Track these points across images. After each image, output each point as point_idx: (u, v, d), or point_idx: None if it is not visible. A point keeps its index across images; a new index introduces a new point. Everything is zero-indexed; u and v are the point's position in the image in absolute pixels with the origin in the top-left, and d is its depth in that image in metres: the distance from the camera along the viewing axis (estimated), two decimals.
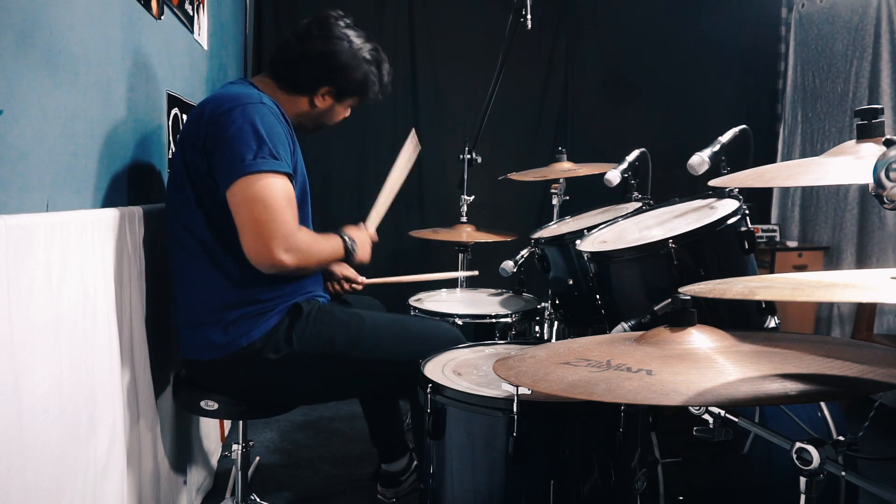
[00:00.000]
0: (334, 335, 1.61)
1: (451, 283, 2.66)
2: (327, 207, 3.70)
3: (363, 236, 1.80)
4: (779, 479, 1.56)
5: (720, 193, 1.73)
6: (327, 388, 1.70)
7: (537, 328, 2.26)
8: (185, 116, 2.11)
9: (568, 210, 2.50)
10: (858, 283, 0.93)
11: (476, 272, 2.45)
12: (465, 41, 3.80)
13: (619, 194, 2.21)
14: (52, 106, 1.20)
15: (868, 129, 1.15)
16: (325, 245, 1.65)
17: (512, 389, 1.20)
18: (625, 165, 2.13)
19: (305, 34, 1.68)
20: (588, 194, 2.49)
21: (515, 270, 2.26)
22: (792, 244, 3.84)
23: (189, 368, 1.68)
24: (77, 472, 1.22)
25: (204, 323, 1.58)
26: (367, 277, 2.06)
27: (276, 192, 1.46)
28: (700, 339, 1.02)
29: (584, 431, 1.28)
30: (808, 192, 3.92)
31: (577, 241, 1.86)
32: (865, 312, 3.09)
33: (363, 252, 1.77)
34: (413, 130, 2.14)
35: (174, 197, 1.60)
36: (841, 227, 3.68)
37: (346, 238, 1.72)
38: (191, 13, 2.20)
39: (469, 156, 2.73)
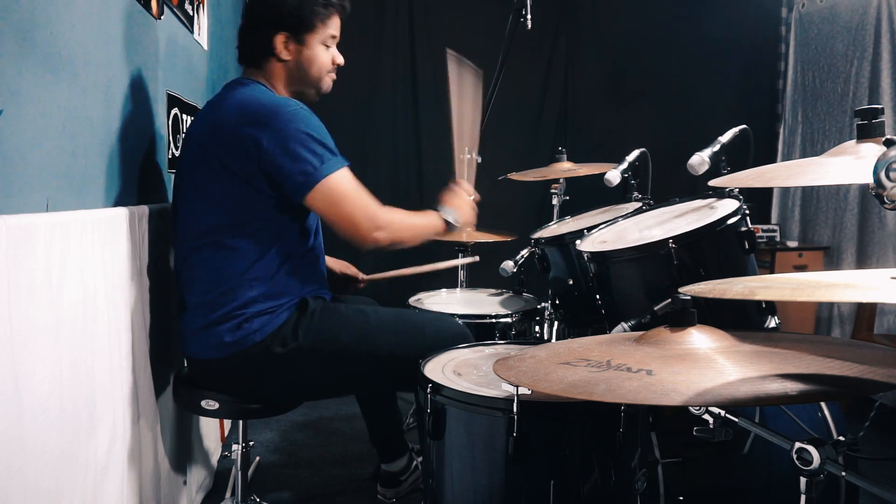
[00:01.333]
0: (339, 329, 1.62)
1: (451, 283, 2.65)
2: None
3: (460, 201, 1.80)
4: (779, 479, 1.56)
5: (720, 193, 1.73)
6: (332, 383, 1.70)
7: (537, 328, 2.25)
8: (185, 116, 2.11)
9: (568, 210, 2.50)
10: (858, 283, 0.93)
11: (477, 258, 2.45)
12: (465, 41, 3.77)
13: (619, 194, 2.21)
14: (52, 106, 1.20)
15: (868, 129, 1.15)
16: (418, 220, 1.72)
17: (512, 389, 1.20)
18: (625, 165, 2.13)
19: (243, 16, 1.73)
20: (588, 194, 2.49)
21: (515, 270, 2.26)
22: (792, 244, 3.84)
23: (194, 367, 1.68)
24: (77, 472, 1.22)
25: (213, 323, 1.58)
26: (367, 274, 2.07)
27: (345, 186, 1.57)
28: (700, 339, 1.02)
29: (584, 431, 1.27)
30: (808, 192, 3.92)
31: (577, 241, 1.85)
32: (866, 312, 3.09)
33: (466, 216, 1.80)
34: (449, 51, 1.98)
35: (189, 197, 1.60)
36: (841, 227, 3.68)
37: (444, 210, 1.77)
38: (191, 13, 2.20)
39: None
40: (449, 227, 1.75)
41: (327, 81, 1.77)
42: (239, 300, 1.57)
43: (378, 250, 1.65)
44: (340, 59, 1.77)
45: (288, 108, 1.55)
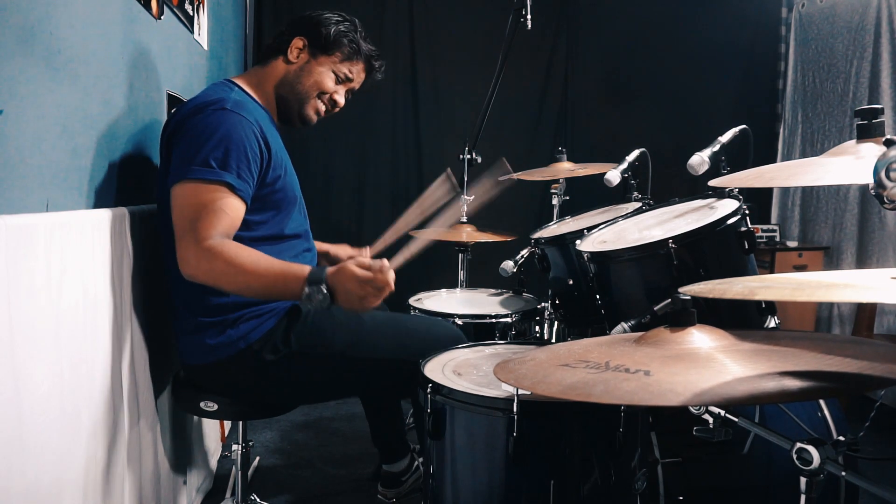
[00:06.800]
0: (333, 335, 1.61)
1: (451, 283, 2.65)
2: (327, 207, 3.70)
3: (349, 286, 1.38)
4: (779, 479, 1.56)
5: (720, 193, 1.73)
6: (327, 387, 1.70)
7: (537, 328, 2.25)
8: None
9: (568, 210, 2.49)
10: (858, 283, 0.93)
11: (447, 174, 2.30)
12: (465, 41, 3.79)
13: (619, 194, 2.21)
14: (51, 106, 1.20)
15: (868, 129, 1.16)
16: (263, 262, 1.41)
17: (512, 389, 1.20)
18: (625, 165, 2.13)
19: None
20: (588, 194, 2.48)
21: (515, 270, 2.26)
22: (792, 244, 3.84)
23: (188, 372, 1.68)
24: (77, 472, 1.22)
25: (198, 328, 1.57)
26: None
27: (201, 200, 1.42)
28: (700, 338, 1.02)
29: (584, 431, 1.27)
30: (808, 192, 3.92)
31: (577, 241, 1.85)
32: (865, 312, 3.08)
33: (350, 302, 1.39)
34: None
35: (161, 200, 1.58)
36: (841, 227, 3.68)
37: (314, 282, 1.38)
38: (191, 13, 2.20)
39: (469, 156, 2.73)
40: (308, 299, 1.38)
41: (313, 107, 1.74)
42: (220, 304, 1.55)
43: (199, 281, 1.41)
44: (340, 100, 1.77)
45: (218, 106, 1.51)
